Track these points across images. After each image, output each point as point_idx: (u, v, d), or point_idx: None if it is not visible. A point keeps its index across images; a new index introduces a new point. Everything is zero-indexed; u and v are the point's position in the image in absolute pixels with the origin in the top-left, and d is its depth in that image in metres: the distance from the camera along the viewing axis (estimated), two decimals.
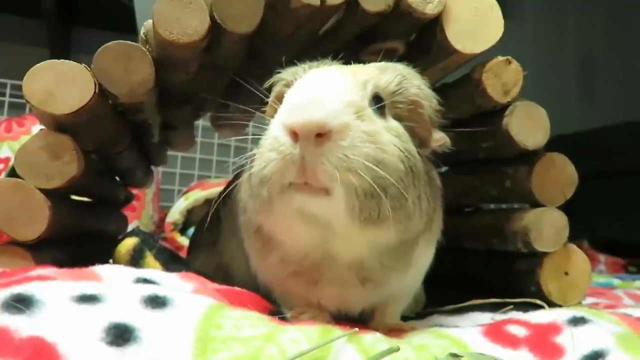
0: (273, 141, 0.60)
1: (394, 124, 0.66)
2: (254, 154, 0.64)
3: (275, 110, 0.65)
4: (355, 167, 0.57)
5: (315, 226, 0.61)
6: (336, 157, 0.57)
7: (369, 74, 0.68)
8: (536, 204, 0.90)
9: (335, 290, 0.68)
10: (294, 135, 0.57)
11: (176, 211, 2.26)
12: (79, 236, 0.98)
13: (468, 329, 0.68)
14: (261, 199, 0.62)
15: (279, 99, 0.68)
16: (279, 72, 0.73)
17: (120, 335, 0.49)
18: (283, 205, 0.61)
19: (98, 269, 0.69)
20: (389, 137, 0.63)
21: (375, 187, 0.58)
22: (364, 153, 0.58)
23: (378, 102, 0.65)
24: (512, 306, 0.83)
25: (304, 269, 0.68)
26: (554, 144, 0.89)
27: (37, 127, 1.67)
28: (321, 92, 0.59)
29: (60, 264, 0.68)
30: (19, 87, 0.77)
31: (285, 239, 0.66)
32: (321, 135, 0.57)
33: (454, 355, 0.55)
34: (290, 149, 0.58)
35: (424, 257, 0.75)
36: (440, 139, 0.71)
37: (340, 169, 0.57)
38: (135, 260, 0.91)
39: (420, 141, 0.69)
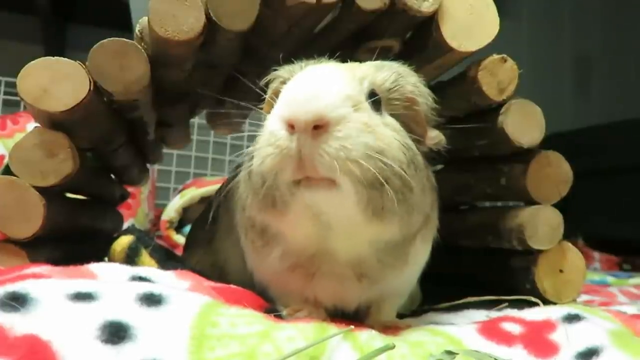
0: (270, 136, 0.59)
1: (390, 119, 0.66)
2: (252, 151, 0.64)
3: (272, 107, 0.65)
4: (355, 157, 0.57)
5: (321, 221, 0.61)
6: (334, 148, 0.57)
7: (365, 71, 0.68)
8: (531, 202, 0.90)
9: (332, 284, 0.68)
10: (291, 127, 0.57)
11: (172, 209, 2.26)
12: (74, 234, 0.98)
13: (463, 327, 0.68)
14: (267, 198, 0.62)
15: (276, 95, 0.68)
16: (276, 70, 0.73)
17: (116, 333, 0.49)
18: (295, 207, 0.60)
19: (93, 267, 0.69)
20: (387, 130, 0.63)
21: (378, 176, 0.57)
22: (363, 142, 0.58)
23: (374, 98, 0.65)
24: (507, 304, 0.83)
25: (301, 262, 0.68)
26: (549, 142, 0.89)
27: (31, 125, 1.67)
28: (318, 86, 0.59)
29: (55, 262, 0.68)
30: (14, 85, 0.77)
31: (290, 236, 0.66)
32: (318, 127, 0.56)
33: (449, 352, 0.55)
34: (287, 143, 0.57)
35: (421, 254, 0.75)
36: (435, 137, 0.71)
37: (339, 159, 0.56)
38: (131, 258, 0.91)
39: (416, 139, 0.69)
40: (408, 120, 0.69)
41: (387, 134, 0.62)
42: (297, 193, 0.59)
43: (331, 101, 0.58)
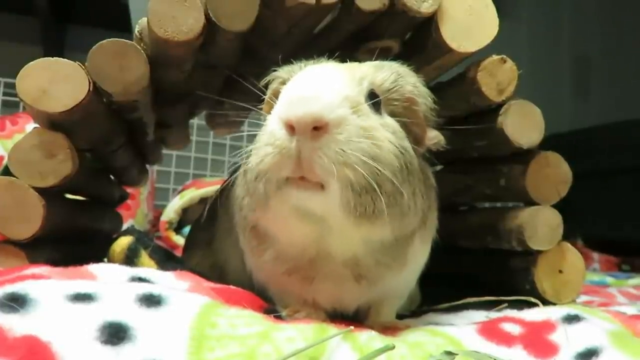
0: (269, 136, 0.60)
1: (389, 120, 0.66)
2: (250, 150, 0.64)
3: (272, 107, 0.65)
4: (351, 162, 0.57)
5: (311, 222, 0.62)
6: (333, 151, 0.57)
7: (364, 71, 0.68)
8: (531, 203, 0.90)
9: (331, 287, 0.68)
10: (291, 128, 0.57)
11: (171, 210, 2.25)
12: (73, 235, 0.98)
13: (463, 327, 0.68)
14: (257, 195, 0.62)
15: (276, 96, 0.68)
16: (275, 70, 0.73)
17: (115, 334, 0.49)
18: (279, 202, 0.61)
19: (92, 267, 0.69)
20: (385, 133, 0.63)
21: (371, 182, 0.58)
22: (360, 148, 0.58)
23: (373, 99, 0.66)
24: (506, 304, 0.83)
25: (299, 266, 0.68)
26: (549, 142, 0.89)
27: (30, 126, 1.67)
28: (318, 87, 0.60)
29: (55, 262, 0.68)
30: (13, 85, 0.77)
31: (282, 236, 0.66)
32: (317, 128, 0.57)
33: (449, 353, 0.55)
34: (287, 143, 0.58)
35: (420, 255, 0.75)
36: (434, 138, 0.71)
37: (336, 163, 0.57)
38: (130, 259, 0.91)
39: (415, 139, 0.70)
40: (407, 120, 0.69)
41: (383, 138, 0.62)
42: (283, 190, 0.60)
43: (330, 102, 0.58)
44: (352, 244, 0.65)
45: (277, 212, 0.62)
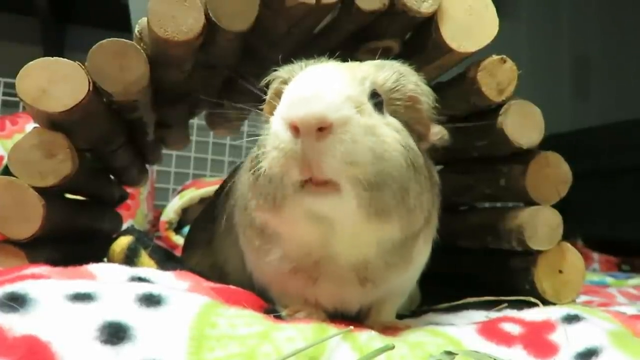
0: (274, 138, 0.59)
1: (392, 120, 0.66)
2: (254, 153, 0.64)
3: (273, 107, 0.65)
4: (358, 161, 0.57)
5: (322, 225, 0.61)
6: (339, 151, 0.57)
7: (366, 70, 0.68)
8: (530, 203, 0.90)
9: (334, 288, 0.68)
10: (295, 130, 0.57)
11: (171, 210, 2.25)
12: (73, 235, 0.98)
13: (463, 327, 0.68)
14: (270, 199, 0.62)
15: (277, 96, 0.68)
16: (276, 70, 0.73)
17: (115, 333, 0.49)
18: (294, 206, 0.60)
19: (92, 267, 0.69)
20: (389, 131, 0.63)
21: (379, 181, 0.58)
22: (366, 147, 0.58)
23: (376, 98, 0.65)
24: (506, 304, 0.83)
25: (303, 267, 0.68)
26: (549, 142, 0.90)
27: (30, 126, 1.67)
28: (320, 87, 0.59)
29: (54, 262, 0.68)
30: (13, 85, 0.77)
31: (291, 238, 0.66)
32: (322, 129, 0.56)
33: (449, 353, 0.55)
34: (291, 145, 0.57)
35: (423, 254, 0.75)
36: (439, 133, 0.71)
37: (343, 163, 0.57)
38: (130, 258, 0.91)
39: (419, 137, 0.70)
40: (410, 119, 0.69)
41: (389, 136, 0.62)
42: (299, 194, 0.59)
43: (333, 102, 0.58)
44: (365, 245, 0.65)
45: (291, 216, 0.61)
